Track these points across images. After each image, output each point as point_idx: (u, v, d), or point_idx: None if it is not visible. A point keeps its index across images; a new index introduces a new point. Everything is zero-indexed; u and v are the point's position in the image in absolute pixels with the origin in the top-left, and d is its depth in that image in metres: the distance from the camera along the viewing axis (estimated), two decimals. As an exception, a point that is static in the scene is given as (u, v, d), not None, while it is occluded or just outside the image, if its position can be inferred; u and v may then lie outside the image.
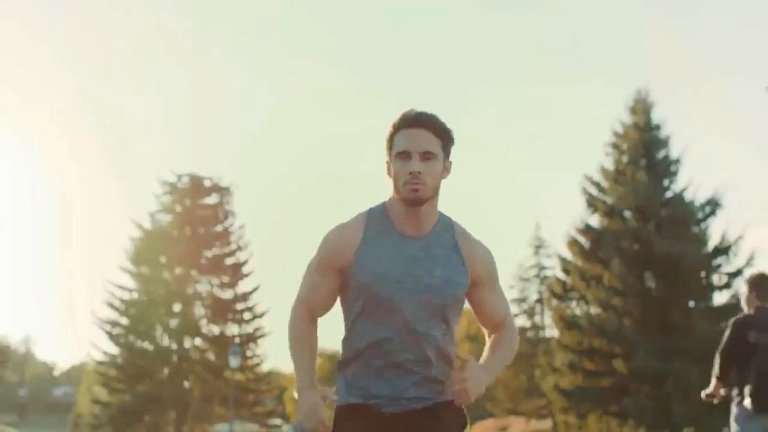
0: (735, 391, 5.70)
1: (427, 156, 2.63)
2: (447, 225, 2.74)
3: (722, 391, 5.78)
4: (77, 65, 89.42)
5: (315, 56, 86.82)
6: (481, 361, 2.80)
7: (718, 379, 5.75)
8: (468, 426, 2.75)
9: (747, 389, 5.53)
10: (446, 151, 2.70)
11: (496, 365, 2.78)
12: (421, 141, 2.63)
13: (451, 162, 2.73)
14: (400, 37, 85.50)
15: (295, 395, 2.68)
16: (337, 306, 2.79)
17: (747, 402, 5.56)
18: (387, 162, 2.71)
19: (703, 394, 5.97)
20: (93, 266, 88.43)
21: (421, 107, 2.72)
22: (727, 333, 5.73)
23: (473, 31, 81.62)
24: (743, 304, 5.92)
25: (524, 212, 79.45)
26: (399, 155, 2.64)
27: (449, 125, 2.71)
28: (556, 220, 69.40)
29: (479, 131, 74.07)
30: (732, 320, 5.84)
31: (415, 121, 2.65)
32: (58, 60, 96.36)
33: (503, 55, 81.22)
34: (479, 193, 72.88)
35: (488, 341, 2.86)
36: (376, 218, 2.72)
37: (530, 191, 76.09)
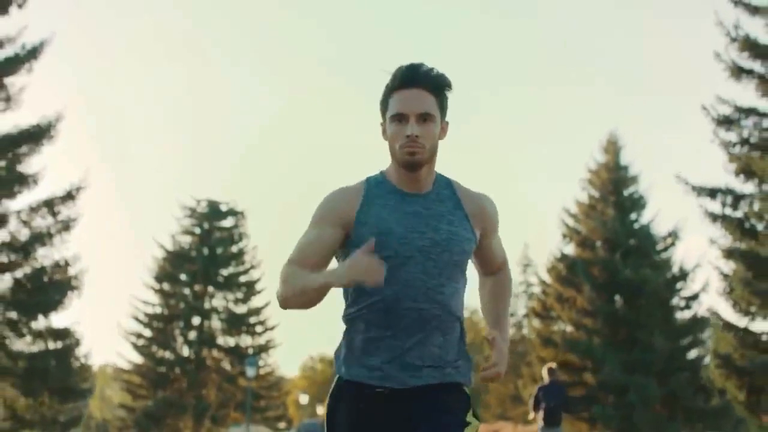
0: (539, 417, 12.04)
1: (424, 118, 2.62)
2: (446, 182, 2.77)
3: (537, 417, 12.01)
4: (76, 67, 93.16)
5: (315, 62, 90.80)
6: (491, 316, 2.91)
7: (534, 410, 12.07)
8: (471, 411, 2.74)
9: (541, 415, 11.95)
10: (443, 110, 2.69)
11: (508, 319, 2.91)
12: (418, 103, 2.62)
13: (447, 122, 2.72)
14: (400, 41, 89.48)
15: (328, 283, 2.48)
16: (336, 300, 2.78)
17: (541, 423, 12.03)
18: (382, 124, 2.72)
19: (529, 417, 12.36)
20: (96, 272, 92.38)
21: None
22: (533, 393, 12.29)
23: (473, 36, 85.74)
24: (544, 378, 12.38)
25: (524, 213, 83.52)
26: (395, 117, 2.64)
27: (446, 76, 2.69)
28: (554, 220, 73.45)
29: (479, 135, 78.52)
30: (537, 387, 12.38)
31: (412, 81, 2.64)
32: (56, 61, 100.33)
33: (503, 60, 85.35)
34: (486, 189, 76.97)
35: (485, 284, 2.98)
36: (376, 182, 2.74)
37: (529, 193, 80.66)
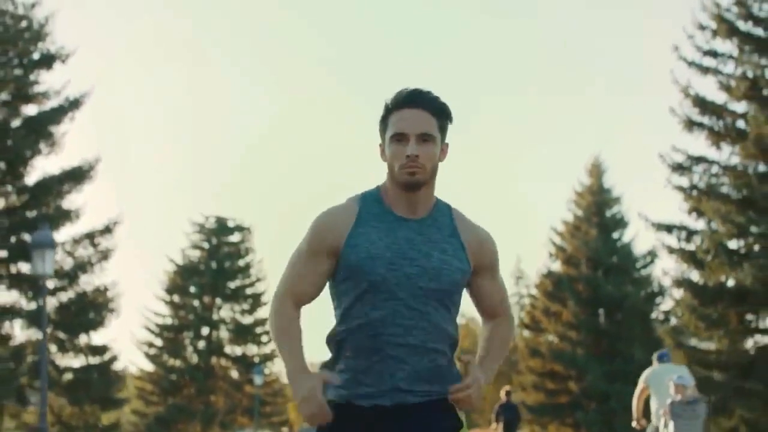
0: (500, 426, 15.81)
1: (424, 138, 2.65)
2: (444, 209, 2.78)
3: (498, 426, 15.81)
4: (75, 68, 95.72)
5: (316, 63, 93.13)
6: (479, 356, 2.83)
7: (496, 422, 15.91)
8: (464, 428, 2.78)
9: (501, 425, 15.76)
10: (443, 132, 2.72)
11: (494, 366, 2.81)
12: (419, 122, 2.65)
13: (447, 144, 2.75)
14: (400, 41, 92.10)
15: (288, 381, 2.64)
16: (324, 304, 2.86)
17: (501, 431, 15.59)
18: (380, 145, 2.75)
19: (492, 427, 16.14)
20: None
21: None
22: (495, 409, 16.25)
23: (473, 40, 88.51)
24: (502, 398, 16.21)
25: (524, 215, 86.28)
26: (394, 137, 2.67)
27: (446, 102, 2.73)
28: (551, 222, 75.76)
29: (479, 140, 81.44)
30: (497, 405, 16.35)
31: (412, 101, 2.68)
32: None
33: (503, 64, 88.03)
34: (479, 202, 79.60)
35: (483, 329, 2.89)
36: (371, 201, 2.75)
37: (529, 194, 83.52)
